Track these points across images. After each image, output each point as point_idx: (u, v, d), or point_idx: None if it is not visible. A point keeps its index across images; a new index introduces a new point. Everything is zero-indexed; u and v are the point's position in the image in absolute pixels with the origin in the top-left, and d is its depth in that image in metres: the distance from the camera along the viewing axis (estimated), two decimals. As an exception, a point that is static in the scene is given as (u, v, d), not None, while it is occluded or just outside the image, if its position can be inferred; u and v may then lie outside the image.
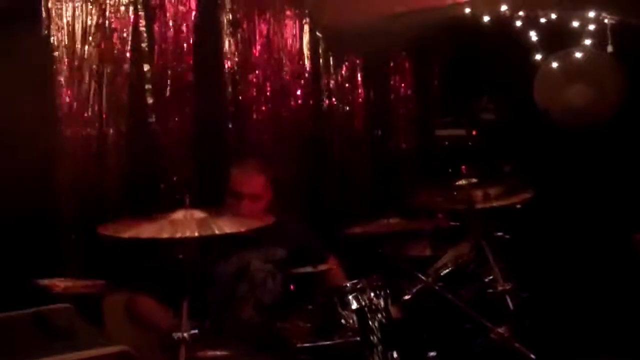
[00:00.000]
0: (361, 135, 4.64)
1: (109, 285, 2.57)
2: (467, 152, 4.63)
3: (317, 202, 4.41)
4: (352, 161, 4.58)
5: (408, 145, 4.80)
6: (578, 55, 4.43)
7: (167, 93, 3.85)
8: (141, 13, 3.68)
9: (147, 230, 2.29)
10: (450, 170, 4.45)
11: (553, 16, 4.17)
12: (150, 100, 3.78)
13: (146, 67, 3.74)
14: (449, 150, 4.68)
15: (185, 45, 3.88)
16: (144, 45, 3.71)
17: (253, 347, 2.69)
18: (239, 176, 3.18)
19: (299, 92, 4.39)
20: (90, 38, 3.55)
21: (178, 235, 2.26)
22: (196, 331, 2.35)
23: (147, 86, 3.76)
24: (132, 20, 3.66)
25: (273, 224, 2.61)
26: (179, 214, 2.43)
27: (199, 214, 2.43)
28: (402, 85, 4.79)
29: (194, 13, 3.90)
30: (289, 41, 4.36)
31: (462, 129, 4.70)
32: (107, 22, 3.57)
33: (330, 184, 4.49)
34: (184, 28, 3.87)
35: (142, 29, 3.70)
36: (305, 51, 4.44)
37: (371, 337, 2.84)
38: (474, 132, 4.68)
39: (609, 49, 4.06)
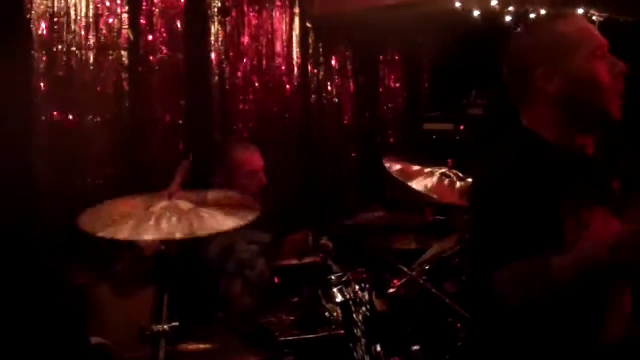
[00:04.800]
0: (350, 127, 4.62)
1: (94, 276, 2.53)
2: (455, 147, 4.62)
3: (308, 194, 4.39)
4: (340, 153, 4.55)
5: (396, 138, 4.79)
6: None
7: (154, 81, 3.81)
8: (129, -2, 3.63)
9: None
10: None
11: (543, 12, 4.15)
12: (136, 89, 3.73)
13: (133, 55, 3.70)
14: (437, 144, 4.67)
15: (173, 32, 3.84)
16: (130, 31, 3.66)
17: (239, 340, 2.66)
18: (249, 153, 3.34)
19: (287, 83, 4.36)
20: (75, 25, 3.50)
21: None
22: (177, 324, 2.31)
23: (133, 74, 3.71)
24: (119, 5, 3.61)
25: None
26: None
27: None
28: (392, 78, 4.77)
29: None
30: (279, 31, 4.32)
31: (450, 123, 4.69)
32: (92, 8, 3.52)
33: (320, 176, 4.47)
34: (172, 15, 3.83)
35: (128, 15, 3.64)
36: (295, 41, 4.40)
37: (355, 331, 2.84)
38: (461, 127, 4.67)
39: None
